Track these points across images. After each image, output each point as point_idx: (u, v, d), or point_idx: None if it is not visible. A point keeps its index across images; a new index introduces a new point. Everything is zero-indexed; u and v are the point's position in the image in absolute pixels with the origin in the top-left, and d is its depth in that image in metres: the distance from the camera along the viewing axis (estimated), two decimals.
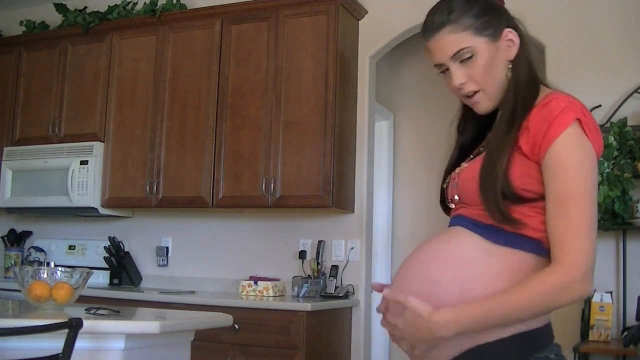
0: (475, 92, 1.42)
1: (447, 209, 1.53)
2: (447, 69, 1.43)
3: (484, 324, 1.25)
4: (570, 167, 1.26)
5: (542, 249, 1.30)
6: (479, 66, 1.39)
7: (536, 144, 1.29)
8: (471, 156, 1.51)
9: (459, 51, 1.39)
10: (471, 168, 1.41)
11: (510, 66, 1.41)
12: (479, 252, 1.32)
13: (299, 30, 3.98)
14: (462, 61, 1.40)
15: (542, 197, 1.30)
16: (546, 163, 1.28)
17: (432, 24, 1.41)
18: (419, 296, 1.30)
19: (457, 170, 1.48)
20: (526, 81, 1.39)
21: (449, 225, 1.45)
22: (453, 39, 1.38)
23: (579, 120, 1.28)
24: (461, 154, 1.55)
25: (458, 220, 1.41)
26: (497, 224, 1.32)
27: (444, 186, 1.52)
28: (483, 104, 1.43)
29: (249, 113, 4.05)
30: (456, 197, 1.44)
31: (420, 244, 1.44)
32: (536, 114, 1.32)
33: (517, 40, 1.41)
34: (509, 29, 1.41)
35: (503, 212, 1.30)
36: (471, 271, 1.31)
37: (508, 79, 1.41)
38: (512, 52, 1.41)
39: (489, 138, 1.43)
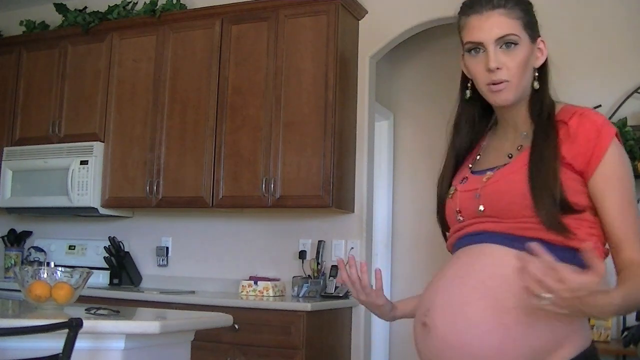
0: (504, 82, 1.40)
1: (444, 222, 1.51)
2: (483, 50, 1.41)
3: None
4: (624, 177, 1.34)
5: (580, 260, 1.24)
6: (518, 58, 1.39)
7: (584, 155, 1.32)
8: (470, 165, 1.50)
9: (507, 35, 1.38)
10: (506, 179, 1.37)
11: (537, 74, 1.43)
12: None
13: (299, 30, 3.98)
14: (503, 47, 1.39)
15: (585, 209, 1.33)
16: (600, 175, 1.32)
17: (487, 1, 1.40)
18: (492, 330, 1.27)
19: (462, 180, 1.47)
20: (549, 95, 1.43)
21: (462, 241, 1.42)
22: (505, 22, 1.38)
23: (615, 132, 1.35)
24: (457, 160, 1.54)
25: (486, 237, 1.37)
26: (534, 237, 1.28)
27: (448, 196, 1.49)
28: (505, 95, 1.40)
29: (249, 113, 4.04)
30: (481, 208, 1.39)
31: (446, 271, 1.40)
32: (579, 125, 1.33)
33: (545, 52, 1.44)
34: (541, 39, 1.45)
35: (560, 223, 1.29)
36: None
37: (534, 88, 1.43)
38: (539, 62, 1.44)
39: (534, 147, 1.37)
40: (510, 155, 1.42)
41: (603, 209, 1.33)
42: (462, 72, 1.51)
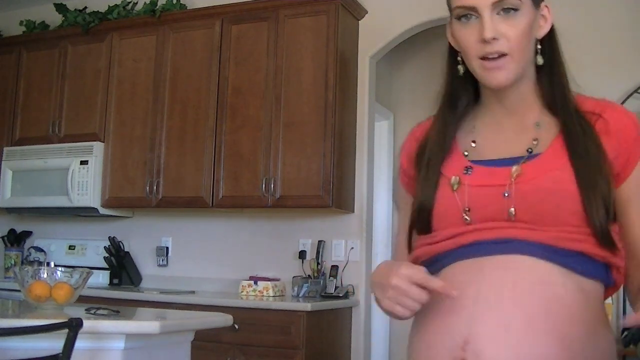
0: (502, 56, 1.14)
1: (428, 220, 1.21)
2: (476, 17, 1.16)
3: None
4: None
5: (612, 280, 1.16)
6: (520, 26, 1.14)
7: (623, 156, 1.14)
8: (466, 153, 1.23)
9: None
10: (549, 176, 1.11)
11: (539, 47, 1.20)
12: (573, 291, 1.10)
13: (299, 30, 3.98)
14: (501, 12, 1.14)
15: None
16: (635, 179, 1.14)
17: None
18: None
19: (466, 170, 1.19)
20: (565, 74, 1.21)
21: (472, 249, 1.14)
22: None
23: None
24: (449, 143, 1.26)
25: (517, 247, 1.11)
26: (578, 250, 1.10)
27: (454, 188, 1.19)
28: (504, 74, 1.15)
29: (249, 113, 4.04)
30: (511, 211, 1.12)
31: (473, 289, 1.11)
32: (618, 120, 1.15)
33: (549, 19, 1.22)
34: (545, 3, 1.21)
35: (610, 235, 1.11)
36: (574, 319, 1.08)
37: (537, 64, 1.20)
38: (542, 31, 1.20)
39: (573, 142, 1.14)
40: (530, 150, 1.16)
41: (630, 218, 1.14)
42: (449, 44, 1.26)
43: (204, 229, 4.45)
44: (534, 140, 1.17)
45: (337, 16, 3.90)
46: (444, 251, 1.18)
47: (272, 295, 3.84)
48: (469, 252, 1.14)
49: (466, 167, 1.20)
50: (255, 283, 3.89)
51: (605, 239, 1.09)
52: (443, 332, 1.12)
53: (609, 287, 1.16)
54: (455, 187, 1.18)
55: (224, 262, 4.35)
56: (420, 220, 1.22)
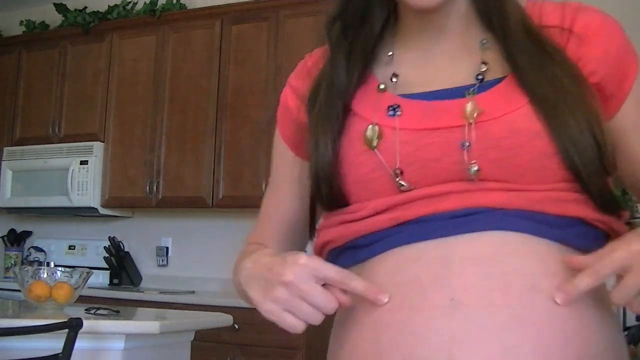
0: None
1: (338, 192, 0.82)
2: None
3: None
4: None
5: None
6: None
7: (613, 71, 0.81)
8: (382, 86, 0.85)
9: None
10: (517, 114, 0.77)
11: None
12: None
13: (299, 30, 3.98)
14: None
15: None
16: (636, 100, 0.82)
17: None
18: None
19: (391, 109, 0.82)
20: None
21: (420, 226, 0.77)
22: None
23: None
24: (353, 72, 0.88)
25: (493, 219, 0.75)
26: (577, 216, 0.78)
27: (374, 144, 0.80)
28: None
29: (249, 113, 4.04)
30: (474, 169, 0.76)
31: (439, 289, 0.73)
32: (598, 28, 0.81)
33: None
34: None
35: (612, 193, 0.80)
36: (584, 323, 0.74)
37: None
38: None
39: (537, 67, 0.79)
40: (480, 77, 0.81)
41: (636, 148, 0.83)
42: None
43: (204, 229, 4.45)
44: (483, 63, 0.82)
45: None
46: (372, 232, 0.79)
47: None
48: (415, 233, 0.76)
49: (390, 106, 0.82)
50: None
51: (605, 198, 0.78)
52: (402, 355, 0.72)
53: None
54: (375, 141, 0.80)
55: (224, 262, 4.34)
56: (325, 192, 0.83)
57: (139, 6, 4.60)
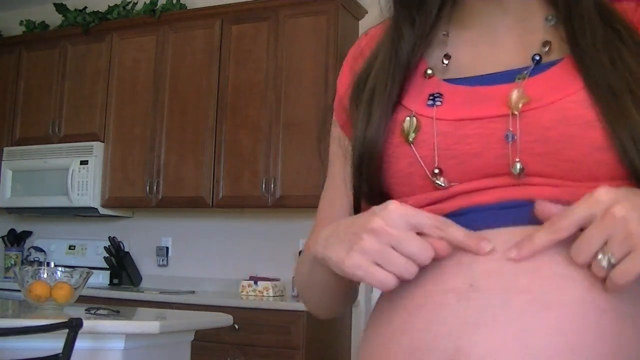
0: None
1: (376, 186, 0.77)
2: None
3: None
4: None
5: None
6: None
7: None
8: (429, 71, 0.79)
9: None
10: (570, 99, 0.69)
11: None
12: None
13: (299, 30, 3.98)
14: None
15: None
16: None
17: None
18: None
19: (431, 98, 0.76)
20: None
21: (461, 219, 0.71)
22: None
23: None
24: (408, 62, 0.80)
25: (532, 212, 0.68)
26: None
27: (410, 139, 0.74)
28: None
29: (249, 113, 4.05)
30: (518, 167, 0.69)
31: (467, 284, 0.67)
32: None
33: None
34: None
35: None
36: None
37: None
38: None
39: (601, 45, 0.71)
40: (537, 58, 0.74)
41: None
42: None
43: (204, 229, 4.45)
44: (545, 43, 0.74)
45: (337, 16, 3.90)
46: None
47: (272, 295, 3.84)
48: (461, 224, 0.70)
49: (431, 94, 0.76)
50: (255, 283, 3.89)
51: None
52: (423, 343, 0.67)
53: None
54: (412, 135, 0.74)
55: (224, 262, 4.35)
56: (363, 184, 0.78)
57: (139, 6, 4.61)
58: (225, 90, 4.13)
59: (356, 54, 0.92)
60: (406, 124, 0.75)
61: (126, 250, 4.58)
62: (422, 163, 0.73)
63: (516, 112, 0.69)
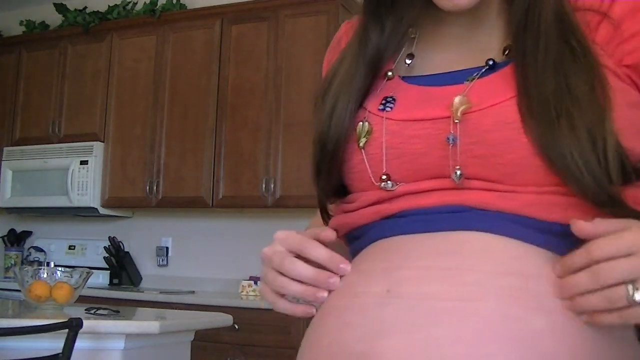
0: None
1: (334, 180, 0.80)
2: None
3: None
4: None
5: None
6: None
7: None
8: (389, 73, 0.81)
9: None
10: (508, 103, 0.69)
11: None
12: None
13: (299, 30, 3.98)
14: None
15: None
16: None
17: None
18: None
19: (384, 102, 0.77)
20: None
21: (399, 222, 0.73)
22: None
23: None
24: (374, 63, 0.81)
25: (471, 219, 0.69)
26: (566, 222, 0.66)
27: (361, 144, 0.76)
28: None
29: (249, 113, 4.05)
30: (457, 173, 0.70)
31: (389, 285, 0.69)
32: (630, 2, 0.71)
33: None
34: None
35: (615, 196, 0.65)
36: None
37: None
38: None
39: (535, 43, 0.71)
40: (491, 62, 0.74)
41: None
42: None
43: (204, 229, 4.45)
44: (506, 48, 0.75)
45: (337, 16, 3.90)
46: (362, 224, 0.77)
47: None
48: (395, 227, 0.73)
49: (385, 97, 0.78)
50: (255, 283, 3.89)
51: (602, 201, 0.65)
52: (338, 345, 0.69)
53: None
54: (362, 140, 0.76)
55: (224, 262, 4.35)
56: (321, 177, 0.80)
57: (139, 6, 4.61)
58: (225, 90, 4.14)
59: (334, 45, 0.95)
60: (358, 129, 0.77)
61: (126, 250, 4.58)
62: (368, 166, 0.75)
63: (457, 120, 0.70)
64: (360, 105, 0.79)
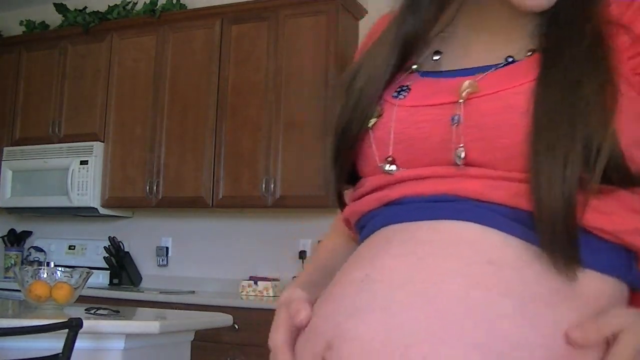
0: None
1: (351, 168, 0.82)
2: None
3: None
4: None
5: (633, 270, 0.70)
6: None
7: None
8: (414, 66, 0.81)
9: None
10: (517, 89, 0.69)
11: None
12: (545, 287, 0.64)
13: (299, 30, 3.98)
14: None
15: None
16: None
17: None
18: None
19: (399, 90, 0.78)
20: None
21: (396, 210, 0.74)
22: None
23: None
24: (404, 52, 0.81)
25: (458, 209, 0.69)
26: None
27: (369, 125, 0.77)
28: None
29: (249, 113, 4.05)
30: (461, 155, 0.69)
31: (369, 274, 0.70)
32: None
33: None
34: None
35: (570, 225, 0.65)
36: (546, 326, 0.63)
37: None
38: None
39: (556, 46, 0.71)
40: (510, 58, 0.74)
41: None
42: None
43: (204, 229, 4.45)
44: (529, 52, 0.74)
45: (337, 16, 3.90)
46: (368, 211, 0.78)
47: (272, 295, 3.84)
48: (394, 215, 0.74)
49: (401, 86, 0.79)
50: (255, 283, 3.89)
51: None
52: (313, 328, 0.72)
53: (636, 290, 0.71)
54: (372, 120, 0.77)
55: (224, 262, 4.35)
56: (338, 163, 0.82)
57: (139, 6, 4.61)
58: (225, 90, 4.14)
59: (371, 32, 0.92)
60: (371, 112, 0.79)
61: (126, 250, 4.58)
62: (374, 146, 0.76)
63: (461, 101, 0.70)
64: (380, 96, 0.80)
